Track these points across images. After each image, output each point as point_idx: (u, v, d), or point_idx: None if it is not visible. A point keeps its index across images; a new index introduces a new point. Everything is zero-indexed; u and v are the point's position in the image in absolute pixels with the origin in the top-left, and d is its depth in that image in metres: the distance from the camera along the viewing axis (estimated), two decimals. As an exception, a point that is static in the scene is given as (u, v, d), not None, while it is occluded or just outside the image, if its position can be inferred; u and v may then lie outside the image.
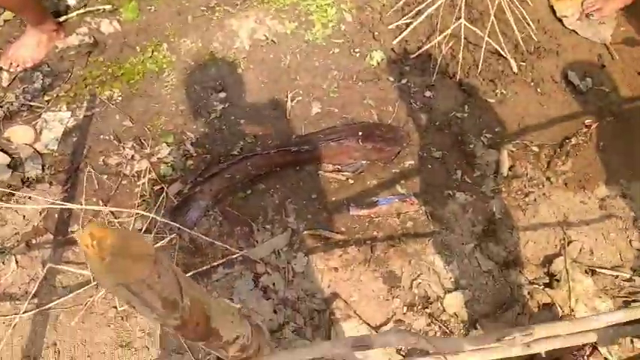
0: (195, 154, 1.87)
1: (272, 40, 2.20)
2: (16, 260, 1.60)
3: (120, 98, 2.01)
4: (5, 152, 1.84)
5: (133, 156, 1.86)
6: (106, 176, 1.80)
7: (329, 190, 1.83)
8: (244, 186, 1.77)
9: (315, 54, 2.18)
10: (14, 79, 2.04)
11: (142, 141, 1.89)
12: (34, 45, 2.06)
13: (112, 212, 1.68)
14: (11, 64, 2.04)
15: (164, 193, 1.75)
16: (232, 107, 2.01)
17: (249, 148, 1.88)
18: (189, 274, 1.51)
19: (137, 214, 1.67)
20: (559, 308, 1.59)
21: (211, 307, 0.62)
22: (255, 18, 2.27)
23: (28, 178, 1.79)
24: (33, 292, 1.53)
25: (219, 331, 0.63)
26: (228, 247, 1.63)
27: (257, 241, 1.69)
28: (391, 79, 2.14)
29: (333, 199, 1.80)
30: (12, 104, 1.97)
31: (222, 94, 2.05)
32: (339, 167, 1.87)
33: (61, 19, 2.19)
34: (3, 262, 1.60)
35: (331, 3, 2.33)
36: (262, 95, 2.06)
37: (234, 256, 1.63)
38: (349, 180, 1.86)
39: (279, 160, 1.78)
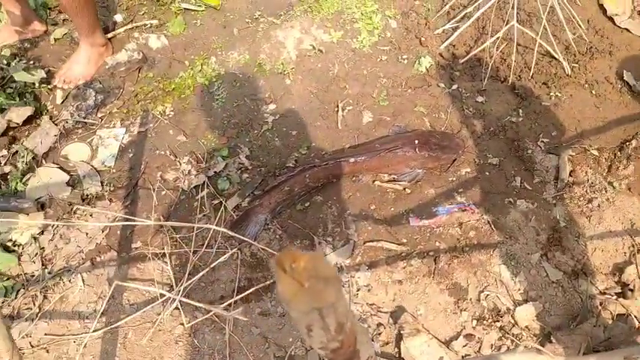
0: (250, 167, 1.87)
1: (319, 50, 2.20)
2: (82, 279, 1.62)
3: (172, 113, 2.03)
4: (64, 170, 1.87)
5: (189, 171, 1.87)
6: (164, 191, 1.81)
7: (387, 200, 1.81)
8: (302, 198, 1.76)
9: (362, 62, 2.17)
10: (67, 96, 2.07)
11: (198, 155, 1.90)
12: (85, 62, 2.09)
13: (173, 228, 1.69)
14: (64, 81, 2.08)
15: (222, 207, 1.75)
16: (283, 118, 2.01)
17: (303, 159, 1.88)
18: (252, 288, 1.50)
19: (199, 228, 1.67)
20: (635, 320, 1.54)
21: (358, 329, 0.61)
22: (300, 28, 2.27)
23: (87, 195, 1.81)
24: (101, 310, 1.54)
25: (359, 352, 0.62)
26: (290, 260, 1.62)
27: (317, 254, 1.68)
28: (441, 85, 2.12)
29: (392, 209, 1.78)
30: (67, 122, 2.00)
31: (273, 106, 2.05)
32: (396, 177, 1.84)
33: (109, 35, 2.22)
34: (69, 281, 1.62)
35: (375, 10, 2.32)
36: (312, 105, 2.05)
37: (297, 270, 1.62)
38: (406, 190, 1.83)
39: (336, 172, 1.77)
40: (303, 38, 2.25)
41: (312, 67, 2.16)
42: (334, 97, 2.06)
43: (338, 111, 2.01)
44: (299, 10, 2.34)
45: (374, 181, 1.85)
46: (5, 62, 2.08)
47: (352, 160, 1.77)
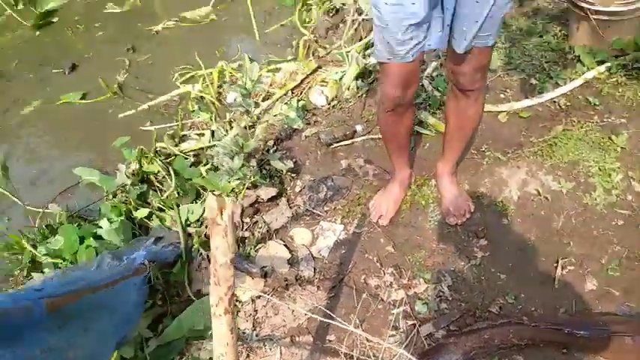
0: (450, 299, 1.95)
1: (545, 197, 2.22)
2: (280, 352, 1.87)
3: (386, 224, 2.26)
4: (287, 248, 2.23)
5: (391, 283, 2.03)
6: (364, 295, 2.00)
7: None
8: (501, 352, 1.74)
9: (593, 221, 2.11)
10: (304, 187, 2.50)
11: (402, 270, 2.06)
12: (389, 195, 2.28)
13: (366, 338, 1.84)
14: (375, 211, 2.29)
15: (415, 331, 1.85)
16: (493, 258, 2.06)
17: (509, 309, 1.87)
18: None
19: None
20: None
21: None
22: (527, 170, 2.34)
23: (301, 276, 2.11)
24: (288, 389, 1.74)
25: None
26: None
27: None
28: (690, 270, 1.90)
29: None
30: (299, 207, 2.40)
31: (484, 242, 2.12)
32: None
33: (347, 142, 2.63)
34: (270, 349, 1.88)
35: (616, 168, 2.26)
36: (527, 253, 2.05)
37: None
38: (625, 382, 1.66)
39: (546, 337, 1.71)
40: (528, 181, 2.30)
41: (533, 212, 2.18)
42: (554, 250, 2.03)
43: (557, 268, 1.97)
44: (528, 151, 2.42)
45: (588, 360, 1.72)
46: (266, 149, 2.63)
47: (568, 330, 1.69)
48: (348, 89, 2.84)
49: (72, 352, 1.37)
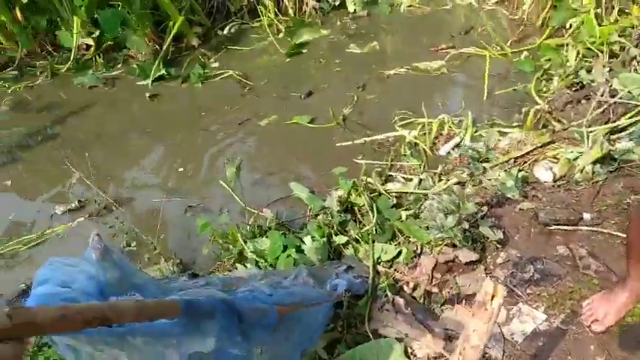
0: None
1: None
2: None
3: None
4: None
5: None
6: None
7: None
8: None
9: None
10: (507, 261, 2.34)
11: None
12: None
13: None
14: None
15: None
16: None
17: None
18: None
19: None
20: None
21: None
22: None
23: (487, 354, 1.96)
24: None
25: None
26: None
27: None
28: None
29: None
30: (498, 280, 2.25)
31: None
32: None
33: (569, 227, 2.39)
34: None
35: None
36: None
37: None
38: None
39: None
40: None
41: None
42: None
43: None
44: None
45: None
46: (479, 216, 2.54)
47: None
48: (582, 172, 2.60)
49: (269, 356, 1.49)
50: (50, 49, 5.15)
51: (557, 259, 2.27)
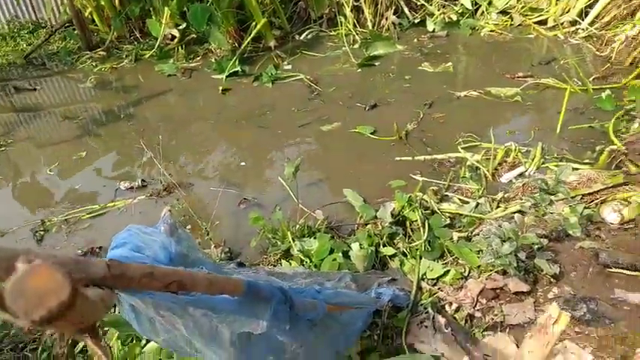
0: None
1: None
2: None
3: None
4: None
5: None
6: None
7: None
8: None
9: None
10: (559, 297, 2.29)
11: None
12: None
13: None
14: None
15: None
16: None
17: None
18: None
19: None
20: None
21: None
22: None
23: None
24: None
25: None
26: None
27: None
28: None
29: None
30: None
31: None
32: None
33: (631, 272, 2.30)
34: None
35: None
36: None
37: None
38: None
39: None
40: None
41: None
42: None
43: None
44: None
45: None
46: (535, 247, 2.49)
47: None
48: (652, 217, 2.51)
49: (304, 350, 1.56)
50: (138, 36, 5.60)
51: (613, 303, 2.20)
